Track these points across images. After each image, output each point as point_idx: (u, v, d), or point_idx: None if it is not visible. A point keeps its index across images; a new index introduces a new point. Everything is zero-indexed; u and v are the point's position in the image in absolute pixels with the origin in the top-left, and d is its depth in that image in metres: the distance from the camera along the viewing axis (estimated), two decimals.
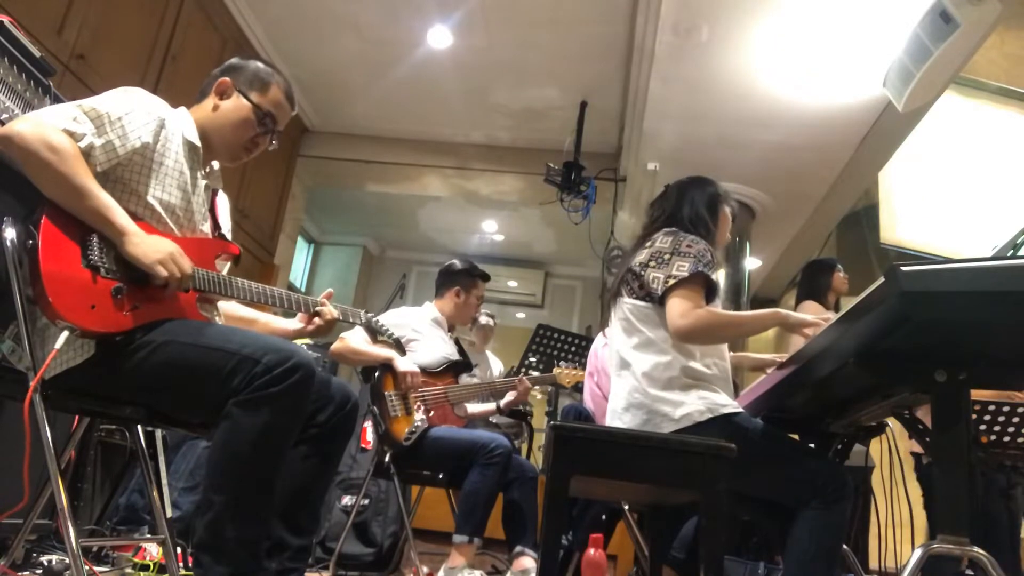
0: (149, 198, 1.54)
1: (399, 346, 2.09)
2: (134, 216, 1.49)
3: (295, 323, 1.83)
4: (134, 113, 1.52)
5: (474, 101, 5.16)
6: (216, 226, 1.77)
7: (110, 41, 3.37)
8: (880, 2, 3.25)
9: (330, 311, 1.78)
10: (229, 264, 1.76)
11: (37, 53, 1.97)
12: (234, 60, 1.78)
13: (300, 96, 5.34)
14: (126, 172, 1.52)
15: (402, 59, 4.73)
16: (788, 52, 3.65)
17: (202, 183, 1.69)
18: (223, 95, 1.71)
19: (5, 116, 1.81)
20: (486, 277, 3.19)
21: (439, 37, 4.49)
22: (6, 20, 1.90)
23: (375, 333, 1.99)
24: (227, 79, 1.71)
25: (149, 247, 1.44)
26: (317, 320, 1.78)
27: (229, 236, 1.81)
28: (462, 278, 3.13)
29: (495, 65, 4.72)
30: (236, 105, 1.70)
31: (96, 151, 1.44)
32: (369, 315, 1.95)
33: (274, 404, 1.37)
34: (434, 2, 4.20)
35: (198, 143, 1.67)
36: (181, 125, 1.65)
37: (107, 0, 3.34)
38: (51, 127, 1.38)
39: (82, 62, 3.20)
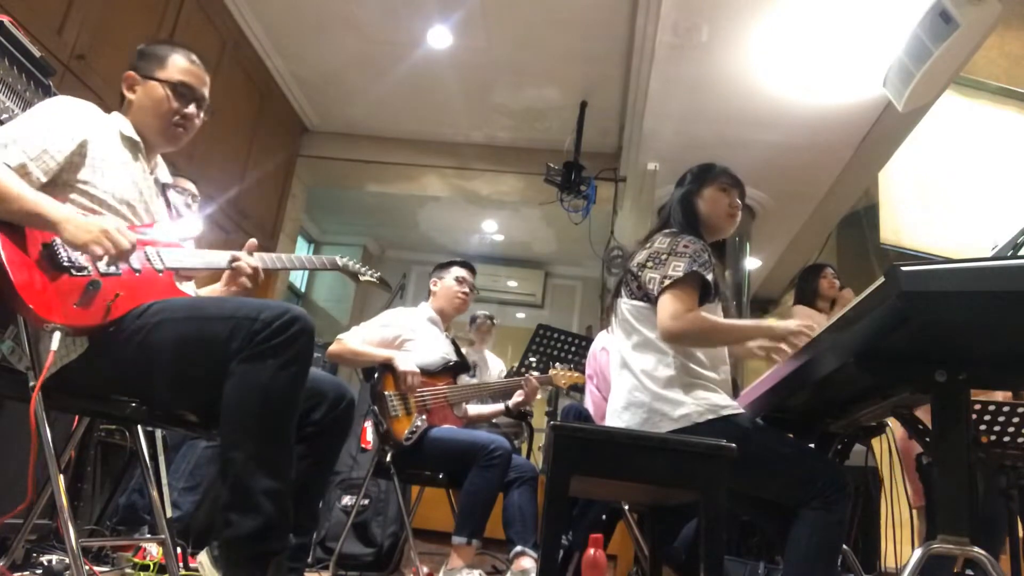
0: (102, 194, 1.56)
1: (384, 283, 2.06)
2: (91, 212, 1.51)
3: (221, 286, 1.77)
4: (61, 120, 1.54)
5: (474, 101, 5.16)
6: (171, 216, 1.78)
7: (110, 41, 3.36)
8: (880, 2, 3.25)
9: (247, 263, 1.68)
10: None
11: (37, 53, 1.97)
12: (136, 49, 1.76)
13: (300, 96, 5.35)
14: (72, 176, 1.54)
15: (402, 59, 4.73)
16: (788, 52, 3.65)
17: (151, 177, 1.72)
18: (132, 88, 1.71)
19: (5, 116, 1.81)
20: (466, 264, 3.19)
21: (439, 37, 4.49)
22: (6, 20, 1.90)
23: (355, 276, 1.95)
24: (130, 72, 1.72)
25: (80, 229, 1.41)
26: (242, 280, 1.69)
27: (188, 226, 1.82)
28: (438, 268, 3.19)
29: (495, 65, 4.71)
30: (146, 90, 1.70)
31: (30, 166, 1.46)
32: (345, 259, 1.92)
33: (278, 355, 1.37)
34: (434, 2, 4.19)
35: (137, 138, 1.68)
36: (116, 125, 1.67)
37: (107, 0, 3.34)
38: None
39: (82, 62, 3.20)
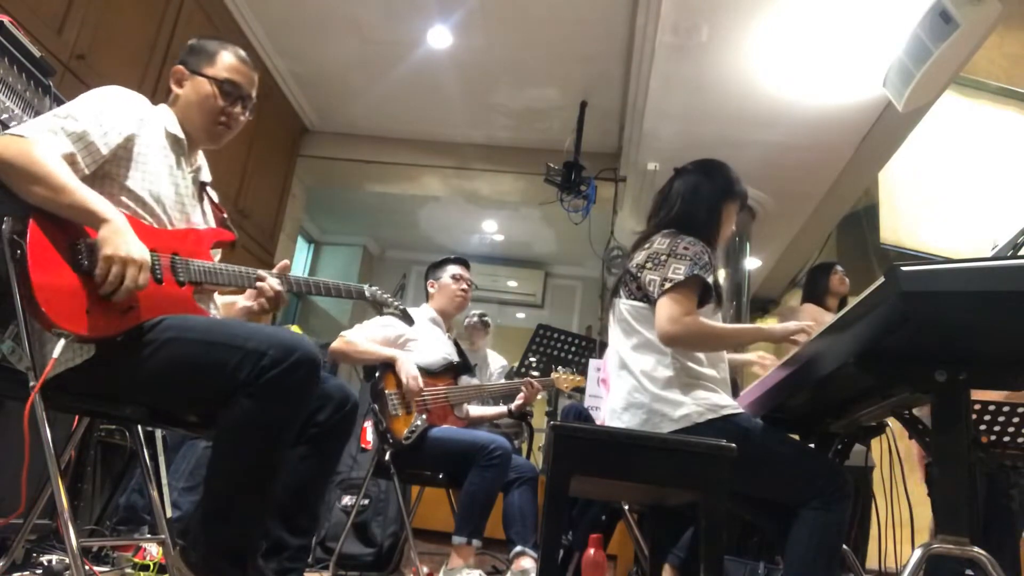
0: (139, 190, 1.55)
1: (407, 316, 2.06)
2: (125, 208, 1.50)
3: (243, 301, 1.76)
4: (111, 111, 1.53)
5: (474, 101, 5.16)
6: (205, 217, 1.77)
7: (110, 41, 3.36)
8: (880, 2, 3.25)
9: (271, 284, 1.66)
10: (220, 252, 1.76)
11: (37, 53, 1.97)
12: (187, 44, 1.76)
13: (300, 96, 5.35)
14: (113, 168, 1.53)
15: (402, 59, 4.73)
16: (788, 52, 3.65)
17: (190, 176, 1.70)
18: (180, 83, 1.71)
19: (5, 116, 1.81)
20: (459, 260, 3.18)
21: (439, 37, 4.49)
22: (6, 20, 1.90)
23: (381, 305, 1.95)
24: (179, 66, 1.72)
25: (120, 240, 1.39)
26: (261, 300, 1.68)
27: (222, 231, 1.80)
28: (432, 269, 3.19)
29: (495, 65, 4.71)
30: (194, 85, 1.69)
31: (79, 156, 1.45)
32: (373, 288, 1.90)
33: (282, 395, 1.37)
34: (434, 2, 4.19)
35: (181, 135, 1.68)
36: (163, 120, 1.66)
37: (107, 0, 3.33)
38: (31, 142, 1.38)
39: (82, 62, 3.20)
